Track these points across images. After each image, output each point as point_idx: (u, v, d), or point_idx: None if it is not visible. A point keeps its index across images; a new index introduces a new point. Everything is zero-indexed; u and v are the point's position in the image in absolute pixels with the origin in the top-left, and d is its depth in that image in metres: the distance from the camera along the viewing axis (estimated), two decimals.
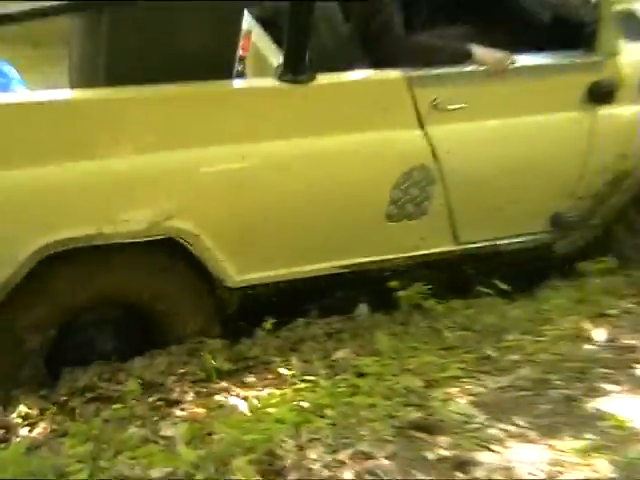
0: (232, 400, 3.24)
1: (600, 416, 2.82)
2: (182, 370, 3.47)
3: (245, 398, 3.24)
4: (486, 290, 4.00)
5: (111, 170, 3.21)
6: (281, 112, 3.47)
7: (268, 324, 3.67)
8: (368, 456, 2.65)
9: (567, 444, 2.62)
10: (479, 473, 2.50)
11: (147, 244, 3.32)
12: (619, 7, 4.00)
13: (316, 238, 3.69)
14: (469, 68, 3.74)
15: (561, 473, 2.47)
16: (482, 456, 2.58)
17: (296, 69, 3.39)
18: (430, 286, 3.86)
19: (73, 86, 3.52)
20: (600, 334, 3.53)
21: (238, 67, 3.61)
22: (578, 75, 3.96)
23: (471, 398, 3.04)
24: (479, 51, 3.74)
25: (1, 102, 3.28)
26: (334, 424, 2.89)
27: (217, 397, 3.28)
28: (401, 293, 3.86)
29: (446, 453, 2.62)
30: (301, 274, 3.70)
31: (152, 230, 3.27)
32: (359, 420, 2.90)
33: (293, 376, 3.35)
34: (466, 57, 3.73)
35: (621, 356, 3.32)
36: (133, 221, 3.22)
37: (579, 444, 2.60)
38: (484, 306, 3.97)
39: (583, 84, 3.95)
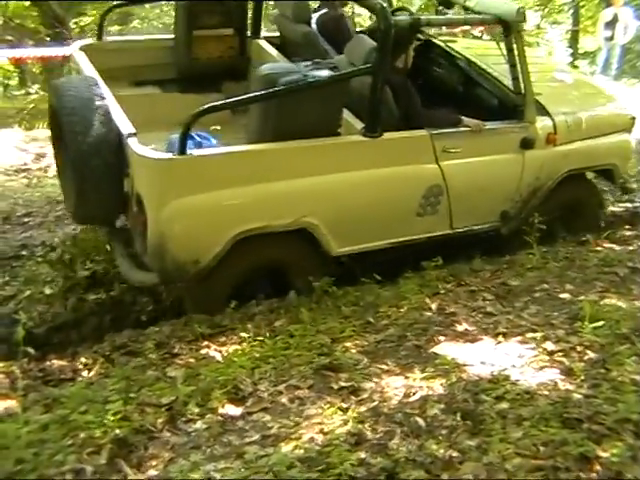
0: (212, 353, 3.56)
1: (436, 357, 3.22)
2: (180, 334, 3.79)
3: (220, 352, 3.57)
4: (367, 280, 4.44)
5: (276, 189, 4.03)
6: (364, 153, 4.36)
7: (233, 304, 4.02)
8: (297, 387, 3.07)
9: (417, 375, 3.05)
10: (365, 395, 2.93)
11: (290, 232, 4.13)
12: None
13: (379, 227, 4.47)
14: (461, 129, 4.71)
15: (414, 393, 2.90)
16: (367, 385, 3.02)
17: (373, 129, 4.30)
18: (334, 278, 4.31)
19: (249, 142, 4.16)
20: (435, 305, 3.91)
21: None
22: (516, 133, 4.93)
23: (359, 349, 3.42)
24: (465, 119, 4.73)
25: (232, 150, 4.05)
26: (275, 368, 3.27)
27: (202, 351, 3.58)
28: (315, 284, 4.21)
29: (345, 384, 3.04)
30: (370, 248, 4.48)
31: (295, 223, 4.11)
32: (290, 365, 3.28)
33: (249, 337, 3.66)
34: (459, 122, 4.72)
35: (447, 319, 3.69)
36: (285, 218, 4.07)
37: (423, 375, 3.05)
38: (366, 290, 4.34)
39: (518, 138, 4.93)
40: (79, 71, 4.83)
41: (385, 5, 4.31)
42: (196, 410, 2.92)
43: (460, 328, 3.58)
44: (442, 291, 4.20)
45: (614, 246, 4.80)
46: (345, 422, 2.74)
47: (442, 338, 3.47)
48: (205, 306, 4.09)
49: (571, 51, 17.80)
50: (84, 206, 4.20)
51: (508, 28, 4.84)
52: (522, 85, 4.90)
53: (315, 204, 4.16)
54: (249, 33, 5.68)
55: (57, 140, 4.51)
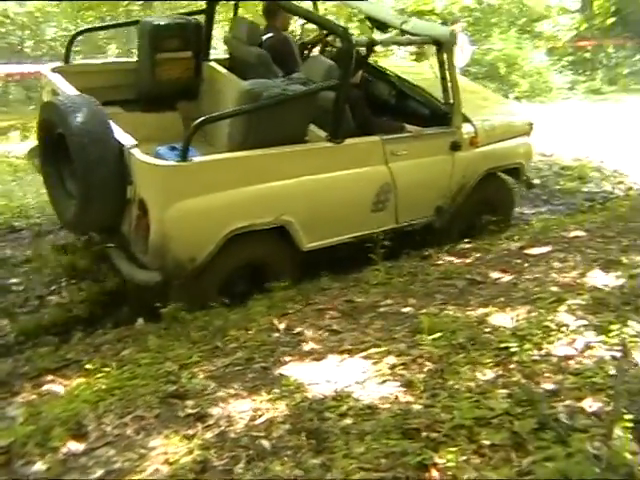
0: (55, 388, 3.47)
1: (282, 378, 3.24)
2: (22, 370, 3.68)
3: (64, 386, 3.49)
4: (217, 304, 4.46)
5: (259, 191, 4.54)
6: (329, 158, 4.98)
7: (78, 334, 3.95)
8: (142, 418, 3.02)
9: (263, 397, 3.07)
10: (211, 421, 2.92)
11: (269, 229, 4.64)
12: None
13: (342, 223, 5.05)
14: (405, 134, 5.45)
15: (260, 415, 2.92)
16: (214, 410, 3.00)
17: (336, 136, 4.94)
18: (182, 304, 4.35)
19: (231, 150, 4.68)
20: (283, 326, 3.95)
21: None
22: (446, 138, 5.69)
23: (207, 374, 3.40)
24: (407, 126, 5.51)
25: (224, 157, 4.55)
26: (121, 399, 3.19)
27: (45, 387, 3.49)
28: (163, 310, 4.22)
29: (191, 411, 3.02)
30: (333, 242, 5.04)
31: (274, 221, 4.64)
32: (137, 395, 3.21)
33: (95, 369, 3.58)
34: (402, 129, 5.49)
35: (294, 339, 3.74)
36: (267, 217, 4.59)
37: (270, 396, 3.07)
38: (215, 314, 4.36)
39: (449, 142, 5.70)
40: (56, 91, 5.17)
41: (347, 28, 5.16)
42: (36, 451, 2.83)
43: (307, 347, 3.63)
44: (290, 311, 4.26)
45: (454, 259, 5.02)
46: (191, 450, 2.71)
47: (289, 358, 3.50)
48: (196, 301, 4.46)
49: None
50: (88, 214, 4.49)
51: (441, 47, 5.54)
52: (451, 95, 5.63)
53: (290, 203, 4.71)
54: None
55: (49, 153, 4.81)
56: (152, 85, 5.74)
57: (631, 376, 2.96)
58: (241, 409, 3.03)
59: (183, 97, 5.94)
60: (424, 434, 2.65)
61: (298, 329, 3.90)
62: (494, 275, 4.47)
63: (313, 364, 3.41)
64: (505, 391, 2.92)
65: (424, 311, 3.90)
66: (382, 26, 5.93)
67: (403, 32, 5.71)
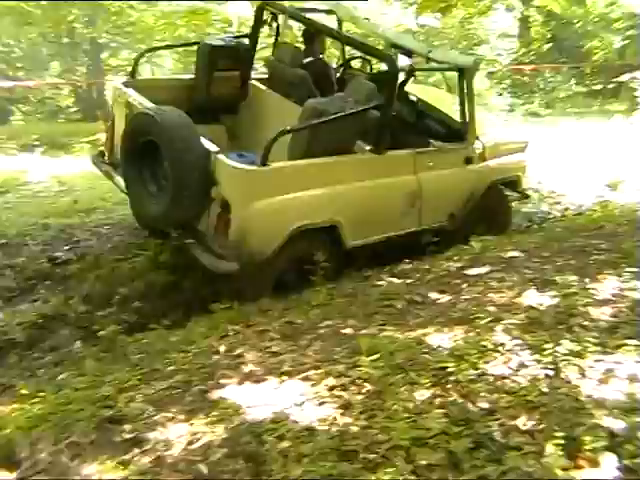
0: None
1: (221, 401, 3.24)
2: None
3: None
4: (156, 326, 4.50)
5: (317, 194, 5.19)
6: (373, 167, 5.67)
7: (13, 357, 3.86)
8: (77, 444, 2.97)
9: (201, 421, 3.06)
10: (148, 446, 2.89)
11: (323, 228, 5.25)
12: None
13: (378, 224, 5.68)
14: (431, 148, 6.19)
15: (198, 439, 2.91)
16: (151, 435, 2.98)
17: (379, 149, 5.62)
18: (121, 327, 4.42)
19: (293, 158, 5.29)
20: (223, 348, 3.94)
21: None
22: (462, 152, 6.43)
23: (145, 398, 3.37)
24: (432, 141, 6.26)
25: (295, 164, 5.22)
26: (56, 425, 3.14)
27: None
28: (101, 333, 4.21)
29: (128, 436, 2.99)
30: (369, 242, 5.62)
31: (329, 221, 5.28)
32: (72, 421, 3.17)
33: (30, 394, 3.53)
34: (428, 144, 6.24)
35: (234, 361, 3.73)
36: (323, 216, 5.25)
37: (208, 420, 3.05)
38: (155, 336, 4.38)
39: (463, 156, 6.43)
40: (130, 102, 5.79)
41: (393, 56, 5.87)
42: None
43: (246, 369, 3.61)
44: (231, 333, 4.25)
45: (394, 279, 5.06)
46: (126, 476, 2.69)
47: (228, 381, 3.49)
48: (257, 290, 5.03)
49: None
50: (177, 211, 5.04)
51: (463, 74, 6.20)
52: (467, 116, 6.30)
53: (340, 206, 5.32)
54: None
55: (134, 159, 5.31)
56: (206, 99, 6.38)
57: (563, 393, 3.03)
58: (179, 433, 3.01)
59: (227, 111, 6.58)
60: (362, 456, 2.67)
61: (238, 351, 3.90)
62: (433, 295, 4.51)
63: (252, 386, 3.41)
64: (442, 411, 2.96)
65: (364, 332, 3.94)
66: (409, 54, 6.26)
67: (429, 60, 6.23)
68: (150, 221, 5.70)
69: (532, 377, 3.20)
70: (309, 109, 5.35)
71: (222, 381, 3.49)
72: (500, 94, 19.35)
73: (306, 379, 3.38)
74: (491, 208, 6.79)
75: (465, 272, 4.97)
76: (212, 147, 5.04)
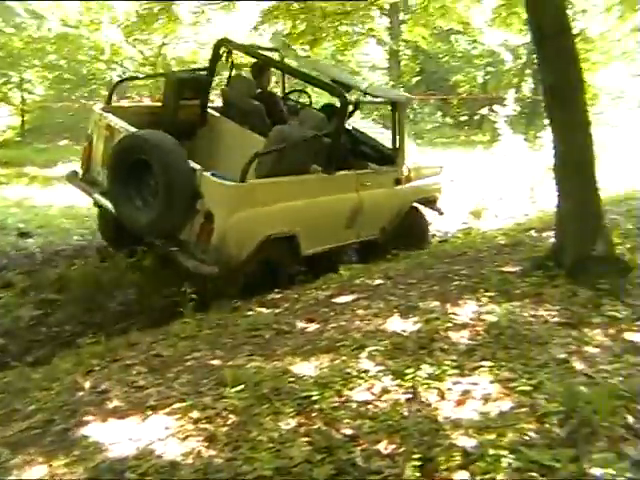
0: None
1: (83, 439, 3.16)
2: None
3: None
4: (18, 364, 4.36)
5: (283, 208, 5.92)
6: (322, 185, 6.44)
7: None
8: None
9: (61, 461, 2.97)
10: None
11: (284, 237, 5.95)
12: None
13: (326, 236, 6.46)
14: (369, 170, 7.11)
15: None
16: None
17: (330, 169, 6.42)
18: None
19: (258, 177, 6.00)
20: (88, 384, 3.85)
21: None
22: (392, 174, 7.37)
23: (1, 441, 3.25)
24: (369, 164, 7.22)
25: (264, 181, 5.96)
26: None
27: None
28: None
29: None
30: (318, 251, 6.39)
31: (290, 231, 5.99)
32: None
33: None
34: (367, 166, 7.17)
35: (99, 397, 3.64)
36: (286, 227, 5.96)
37: (68, 460, 2.96)
38: (17, 374, 4.25)
39: (394, 177, 7.38)
40: (111, 125, 6.39)
41: (344, 91, 6.61)
42: None
43: (111, 405, 3.55)
44: (97, 368, 4.18)
45: (263, 309, 5.10)
46: None
47: (91, 418, 3.42)
48: (232, 289, 5.63)
49: None
50: (165, 222, 5.64)
51: (396, 107, 7.31)
52: (397, 143, 7.27)
53: (299, 218, 6.03)
54: None
55: (121, 176, 5.81)
56: (172, 124, 6.72)
57: (422, 416, 3.14)
58: (36, 476, 2.92)
59: (187, 136, 6.88)
60: None
61: (103, 386, 3.83)
62: (301, 324, 4.59)
63: (116, 423, 3.35)
64: (306, 439, 3.00)
65: (231, 363, 3.94)
66: (347, 88, 7.00)
67: (366, 94, 7.27)
68: (139, 231, 6.02)
69: (394, 402, 3.30)
70: (276, 135, 6.24)
71: (85, 418, 3.41)
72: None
73: (171, 413, 3.35)
74: (411, 225, 7.71)
75: (333, 300, 5.08)
76: (197, 166, 5.67)
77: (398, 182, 7.40)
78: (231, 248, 5.53)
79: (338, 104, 6.58)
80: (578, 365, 3.71)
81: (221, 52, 7.31)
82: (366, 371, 3.62)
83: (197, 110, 7.29)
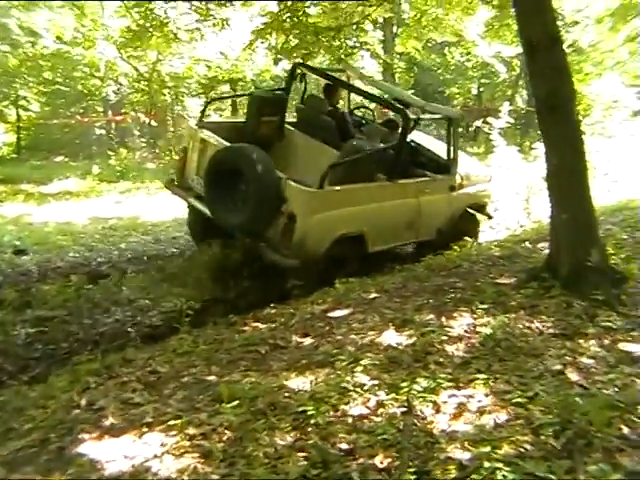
0: None
1: (79, 457, 3.15)
2: None
3: None
4: (14, 382, 4.36)
5: (353, 211, 6.78)
6: (386, 191, 7.33)
7: None
8: None
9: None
10: None
11: (354, 236, 6.82)
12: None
13: (390, 234, 7.30)
14: (428, 179, 7.87)
15: None
16: None
17: (393, 177, 7.29)
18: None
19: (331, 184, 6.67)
20: (84, 401, 3.82)
21: None
22: (447, 182, 8.10)
23: None
24: (427, 173, 7.93)
25: (338, 188, 6.72)
26: None
27: None
28: None
29: None
30: (383, 248, 7.29)
31: (359, 231, 6.84)
32: None
33: None
34: (425, 175, 7.93)
35: (95, 414, 3.63)
36: (355, 227, 6.82)
37: (64, 478, 2.97)
38: (13, 392, 4.26)
39: (449, 185, 8.12)
40: (205, 139, 7.36)
41: (406, 110, 7.38)
42: None
43: (107, 423, 3.54)
44: (93, 385, 4.16)
45: (259, 324, 5.11)
46: None
47: (87, 436, 3.40)
48: (312, 278, 6.42)
49: None
50: (256, 221, 6.54)
51: (451, 122, 8.09)
52: (452, 154, 8.00)
53: (366, 220, 6.87)
54: None
55: (217, 183, 6.73)
56: (254, 139, 7.38)
57: (418, 429, 3.15)
58: None
59: (267, 148, 7.26)
60: None
61: (99, 404, 3.81)
62: (297, 339, 4.60)
63: (112, 440, 3.34)
64: (302, 454, 3.01)
65: (226, 379, 3.94)
66: (407, 105, 7.70)
67: (424, 111, 7.88)
68: (232, 230, 6.95)
69: (389, 415, 3.31)
70: (349, 148, 7.11)
71: (81, 436, 3.40)
72: None
73: (167, 429, 3.34)
74: (465, 225, 8.39)
75: (329, 314, 5.09)
76: (282, 174, 6.54)
77: (452, 189, 8.13)
78: (310, 245, 6.40)
79: (400, 120, 7.51)
80: (573, 376, 3.73)
81: (296, 74, 8.23)
82: (362, 385, 3.64)
83: (276, 125, 8.12)
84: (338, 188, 6.68)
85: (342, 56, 10.36)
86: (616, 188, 12.36)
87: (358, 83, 9.63)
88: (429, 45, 19.58)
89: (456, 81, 25.72)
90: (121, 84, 22.28)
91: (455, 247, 7.30)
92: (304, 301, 5.73)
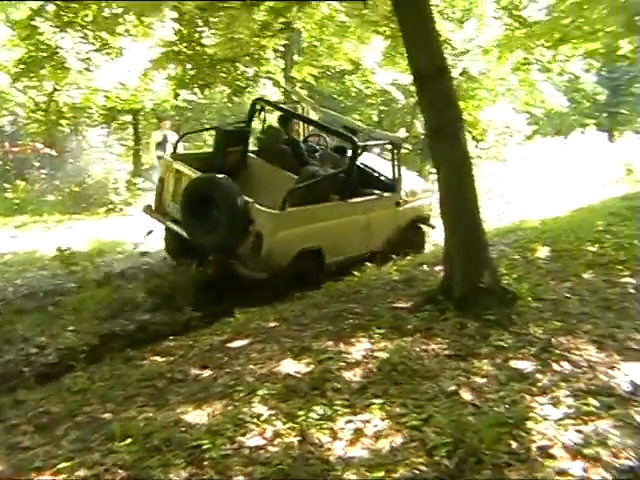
0: None
1: None
2: None
3: None
4: None
5: (311, 228, 7.54)
6: (340, 210, 8.04)
7: None
8: None
9: None
10: None
11: (313, 250, 7.56)
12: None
13: (343, 249, 8.03)
14: (376, 197, 8.71)
15: None
16: None
17: (344, 198, 8.04)
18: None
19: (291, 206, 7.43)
20: None
21: None
22: (393, 199, 8.93)
23: None
24: (376, 191, 8.77)
25: (297, 209, 7.50)
26: None
27: None
28: None
29: None
30: (338, 260, 7.96)
31: (316, 246, 7.56)
32: None
33: None
34: (373, 193, 8.78)
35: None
36: (313, 242, 7.56)
37: None
38: None
39: (395, 201, 8.97)
40: (179, 170, 8.16)
41: (355, 139, 8.39)
42: None
43: None
44: None
45: (157, 358, 5.02)
46: None
47: None
48: (274, 290, 7.00)
49: (132, 167, 18.67)
50: (228, 241, 7.28)
51: (394, 146, 8.95)
52: (396, 174, 8.92)
53: (322, 236, 7.66)
54: None
55: (192, 208, 7.49)
56: (221, 168, 8.13)
57: (314, 457, 3.17)
58: None
59: (231, 176, 7.85)
60: None
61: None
62: (195, 372, 4.54)
63: None
64: None
65: (122, 416, 3.86)
66: (354, 132, 8.82)
67: (370, 137, 9.16)
68: (206, 249, 7.69)
69: (286, 445, 3.32)
70: (306, 173, 8.00)
71: None
72: None
73: (57, 473, 3.25)
74: (410, 236, 9.32)
75: (228, 345, 5.07)
76: (249, 199, 7.33)
77: (398, 204, 9.03)
78: (275, 259, 7.17)
79: (350, 147, 8.42)
80: (467, 396, 3.84)
81: (256, 108, 9.13)
82: (259, 416, 3.63)
83: (240, 155, 9.05)
84: (297, 209, 7.49)
85: (240, 86, 10.43)
86: (510, 210, 12.87)
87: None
88: (328, 73, 19.88)
89: (356, 108, 26.18)
90: (17, 114, 21.61)
91: (355, 272, 7.41)
92: (203, 332, 5.68)
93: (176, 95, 12.73)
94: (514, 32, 11.86)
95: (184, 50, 8.91)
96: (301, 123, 10.50)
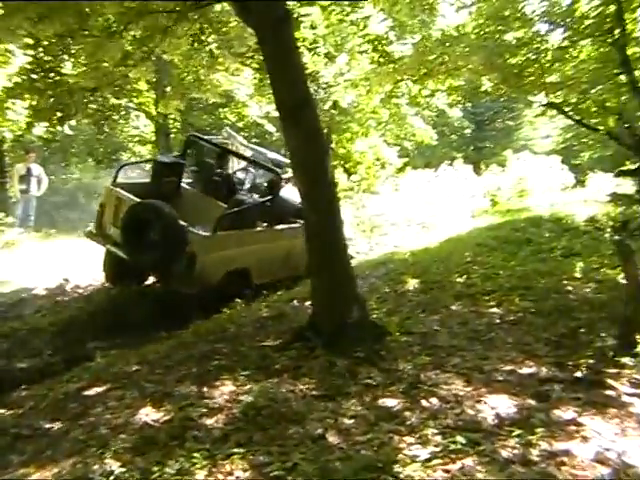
0: None
1: None
2: None
3: None
4: None
5: (239, 251, 8.26)
6: (265, 236, 9.00)
7: None
8: None
9: None
10: None
11: (239, 271, 8.21)
12: None
13: (269, 271, 8.66)
14: (292, 226, 9.25)
15: None
16: None
17: (270, 224, 9.05)
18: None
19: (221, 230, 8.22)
20: None
21: None
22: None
23: None
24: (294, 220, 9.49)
25: (227, 233, 8.36)
26: None
27: None
28: None
29: None
30: (265, 281, 8.42)
31: (244, 268, 8.44)
32: None
33: None
34: (291, 222, 9.51)
35: None
36: (241, 264, 8.27)
37: None
38: None
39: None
40: (119, 197, 8.65)
41: (278, 170, 9.48)
42: None
43: None
44: None
45: (4, 411, 4.61)
46: None
47: None
48: (206, 308, 7.34)
49: None
50: (165, 261, 7.82)
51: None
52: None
53: (250, 258, 8.30)
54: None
55: (132, 232, 7.98)
56: (157, 196, 8.56)
57: None
58: None
59: (164, 200, 8.57)
60: None
61: None
62: (45, 425, 4.18)
63: None
64: None
65: None
66: (280, 166, 9.90)
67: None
68: (145, 269, 8.59)
69: None
70: (234, 202, 8.80)
71: None
72: None
73: None
74: None
75: (84, 393, 4.74)
76: (185, 223, 7.93)
77: None
78: (207, 277, 7.78)
79: (274, 179, 9.29)
80: (334, 439, 3.70)
81: (190, 142, 10.26)
82: (109, 474, 3.34)
83: (174, 185, 9.75)
84: (227, 233, 8.25)
85: (105, 117, 10.11)
86: (382, 241, 13.02)
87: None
88: (200, 105, 19.65)
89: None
90: None
91: (225, 309, 7.19)
92: (59, 379, 5.28)
93: (31, 126, 12.18)
94: (382, 66, 12.08)
95: (41, 79, 8.45)
96: (232, 157, 11.16)
